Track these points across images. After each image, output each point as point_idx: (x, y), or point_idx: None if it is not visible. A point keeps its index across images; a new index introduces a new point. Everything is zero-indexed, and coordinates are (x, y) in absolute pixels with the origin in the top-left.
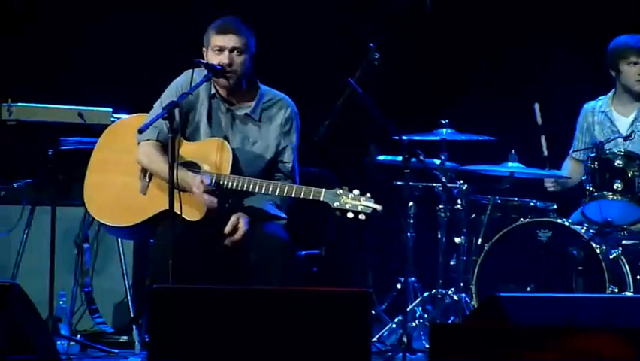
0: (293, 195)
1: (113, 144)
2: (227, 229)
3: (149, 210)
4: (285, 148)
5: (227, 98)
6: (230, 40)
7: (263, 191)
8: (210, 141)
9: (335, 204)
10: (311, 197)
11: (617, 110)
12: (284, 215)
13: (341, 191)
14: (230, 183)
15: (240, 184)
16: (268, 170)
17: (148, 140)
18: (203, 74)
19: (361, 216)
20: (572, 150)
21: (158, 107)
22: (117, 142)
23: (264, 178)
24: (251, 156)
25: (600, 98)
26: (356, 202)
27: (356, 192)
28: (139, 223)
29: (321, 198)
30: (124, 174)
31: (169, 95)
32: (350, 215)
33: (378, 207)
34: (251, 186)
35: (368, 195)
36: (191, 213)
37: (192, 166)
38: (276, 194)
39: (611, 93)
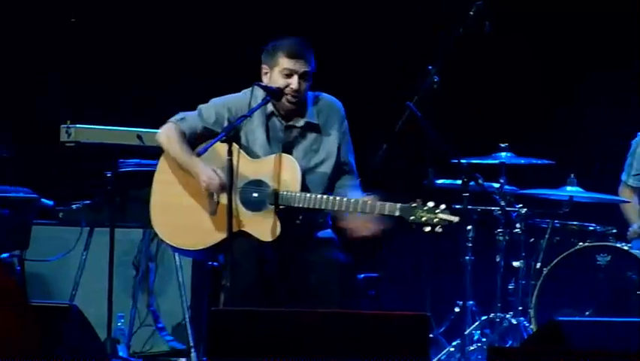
0: (367, 212)
1: (176, 166)
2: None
3: (223, 232)
4: (346, 147)
5: (286, 115)
6: (302, 66)
7: (336, 208)
8: (275, 158)
9: (411, 218)
10: (386, 213)
11: None
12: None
13: (415, 204)
14: (301, 202)
15: (312, 203)
16: (334, 173)
17: (176, 124)
18: (259, 96)
19: (438, 229)
20: (624, 177)
21: (197, 114)
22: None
23: (331, 182)
24: (316, 163)
25: None
26: (432, 215)
27: (431, 204)
28: (211, 246)
29: (397, 214)
30: (191, 195)
31: (220, 110)
32: (427, 228)
33: (455, 218)
34: (324, 204)
35: (443, 206)
36: (264, 234)
37: (258, 185)
38: (350, 210)
39: None
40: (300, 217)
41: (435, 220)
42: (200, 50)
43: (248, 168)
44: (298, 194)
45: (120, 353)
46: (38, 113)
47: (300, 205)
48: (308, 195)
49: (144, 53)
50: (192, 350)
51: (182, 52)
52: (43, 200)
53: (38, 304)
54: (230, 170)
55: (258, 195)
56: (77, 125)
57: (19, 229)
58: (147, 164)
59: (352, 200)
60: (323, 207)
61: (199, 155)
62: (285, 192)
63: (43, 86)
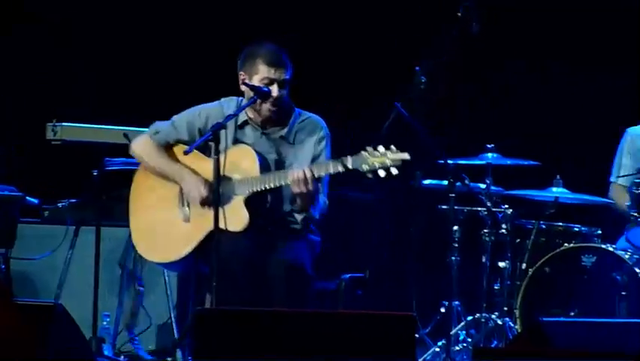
0: (323, 174)
1: (146, 184)
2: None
3: (198, 234)
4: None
5: (262, 123)
6: (282, 74)
7: (295, 179)
8: (230, 151)
9: (364, 168)
10: (340, 168)
11: None
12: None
13: (365, 152)
14: (264, 185)
15: (273, 182)
16: None
17: (151, 137)
18: (232, 107)
19: (394, 171)
20: (613, 176)
21: (169, 124)
22: (149, 180)
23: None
24: None
25: None
26: (384, 159)
27: (381, 148)
28: (191, 251)
29: (350, 166)
30: (164, 209)
31: (191, 119)
32: (382, 173)
33: (405, 155)
34: (282, 180)
35: (393, 147)
36: (234, 224)
37: (223, 179)
38: (308, 177)
39: None
40: (269, 201)
41: (388, 162)
42: (189, 48)
43: (208, 168)
44: (256, 177)
45: (105, 352)
46: (24, 110)
47: (262, 188)
48: (265, 175)
49: (131, 50)
50: (177, 349)
51: (170, 50)
52: (28, 198)
53: (23, 302)
54: (217, 169)
55: (223, 190)
56: (63, 124)
57: (4, 228)
58: (134, 163)
59: (307, 167)
60: (283, 183)
61: (186, 153)
62: (245, 179)
63: (29, 83)
